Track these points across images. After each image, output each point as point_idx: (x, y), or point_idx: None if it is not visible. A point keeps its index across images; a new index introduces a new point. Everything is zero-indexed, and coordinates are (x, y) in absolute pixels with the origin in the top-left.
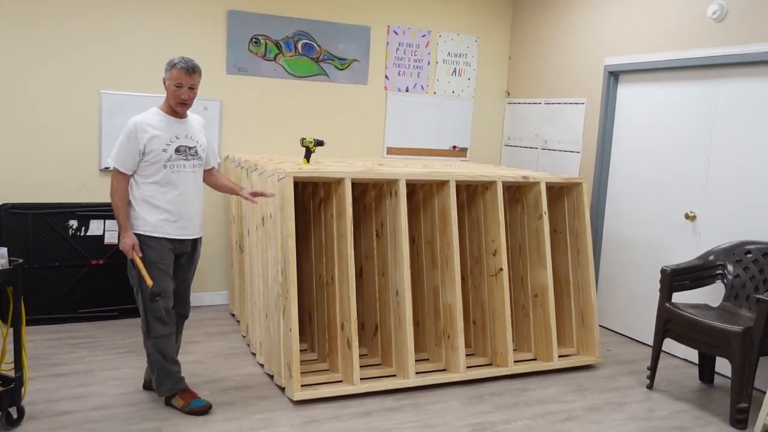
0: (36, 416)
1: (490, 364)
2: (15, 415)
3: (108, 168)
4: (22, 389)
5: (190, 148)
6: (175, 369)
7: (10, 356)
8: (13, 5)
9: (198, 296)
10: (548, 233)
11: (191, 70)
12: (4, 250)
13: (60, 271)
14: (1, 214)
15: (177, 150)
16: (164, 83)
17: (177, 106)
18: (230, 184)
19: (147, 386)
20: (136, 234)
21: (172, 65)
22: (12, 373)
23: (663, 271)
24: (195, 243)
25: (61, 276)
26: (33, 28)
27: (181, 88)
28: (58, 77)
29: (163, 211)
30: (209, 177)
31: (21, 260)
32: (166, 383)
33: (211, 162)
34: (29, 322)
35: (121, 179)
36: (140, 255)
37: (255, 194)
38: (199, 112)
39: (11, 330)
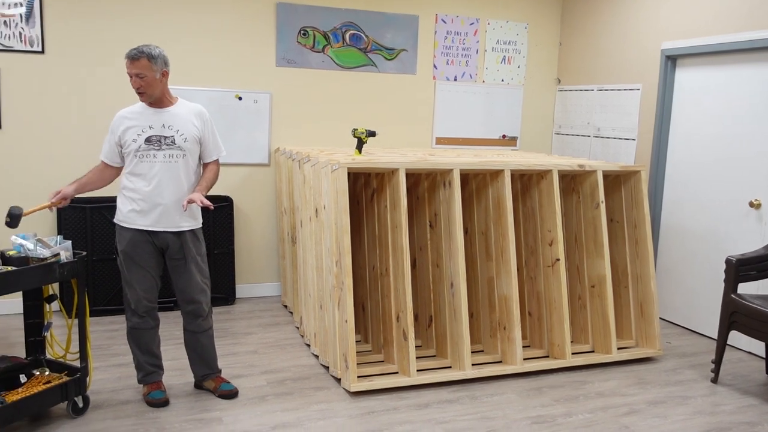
0: (100, 405)
1: (547, 356)
2: (81, 404)
3: None
4: (87, 379)
5: (165, 137)
6: (147, 361)
7: (74, 347)
8: (69, 4)
9: (250, 287)
10: (605, 223)
11: (134, 56)
12: (68, 243)
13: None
14: (60, 209)
15: (147, 140)
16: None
17: (139, 96)
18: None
19: (198, 385)
20: (115, 223)
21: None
22: (77, 363)
23: (728, 261)
24: (182, 237)
25: (118, 269)
26: (88, 25)
27: (131, 78)
28: (115, 72)
29: (132, 201)
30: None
31: (84, 253)
32: (137, 372)
33: (212, 154)
34: (90, 314)
35: (103, 167)
36: (53, 203)
37: (191, 201)
38: (248, 105)
39: (75, 321)
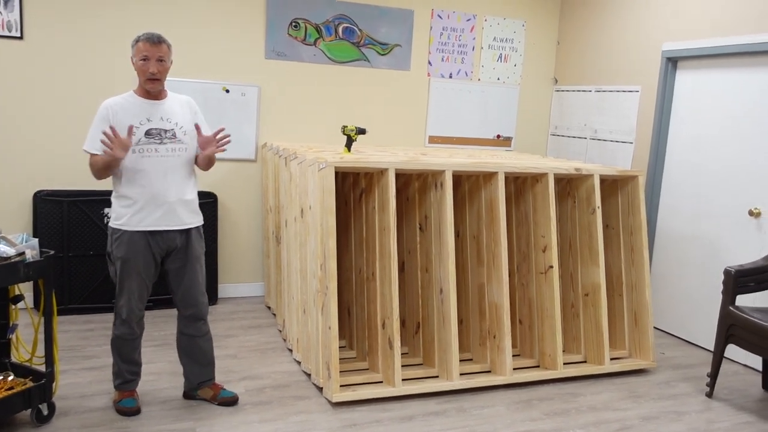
0: (67, 412)
1: (538, 366)
2: (45, 412)
3: None
4: (53, 385)
5: (165, 131)
6: (128, 369)
7: (42, 350)
8: None
9: (233, 287)
10: (601, 229)
11: (156, 40)
12: (35, 241)
13: (95, 260)
14: (36, 202)
15: (147, 133)
16: (132, 63)
17: (147, 84)
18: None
19: (189, 395)
20: (110, 227)
21: (136, 40)
22: (43, 368)
23: (727, 273)
24: (187, 235)
25: (95, 265)
26: (68, 15)
27: (149, 61)
28: (94, 63)
29: (133, 201)
30: (198, 163)
31: (52, 251)
32: (114, 378)
33: None
34: (63, 312)
35: (90, 156)
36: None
37: (216, 135)
38: (236, 98)
39: (43, 321)
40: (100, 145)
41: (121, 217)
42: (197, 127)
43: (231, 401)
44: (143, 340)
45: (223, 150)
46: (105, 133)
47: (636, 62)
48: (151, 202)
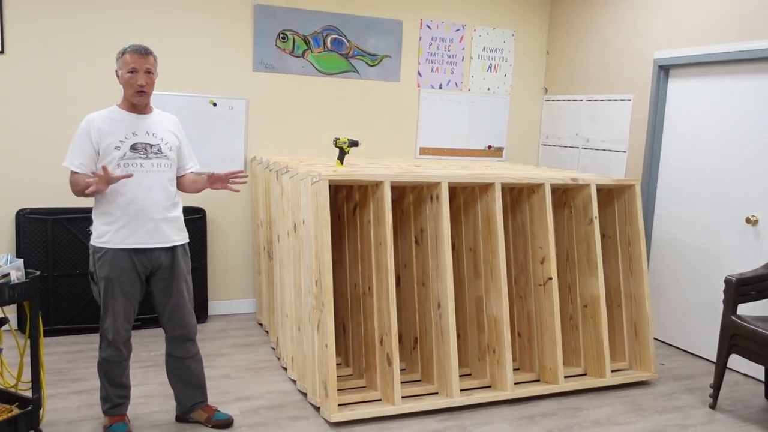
0: None
1: (538, 381)
2: None
3: None
4: (41, 411)
5: (151, 145)
6: (116, 393)
7: (27, 375)
8: (31, 1)
9: (223, 304)
10: (599, 240)
11: (144, 51)
12: (19, 262)
13: (81, 279)
14: (19, 220)
15: (133, 147)
16: (117, 76)
17: (134, 97)
18: (198, 179)
19: (182, 418)
20: (92, 245)
21: (122, 52)
22: (30, 394)
23: (728, 281)
24: (173, 253)
25: (81, 284)
26: (50, 28)
27: (137, 73)
28: (79, 77)
29: (117, 217)
30: (183, 184)
31: (38, 272)
32: (102, 403)
33: (186, 166)
34: (49, 333)
35: (71, 174)
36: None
37: (229, 176)
38: (223, 112)
39: (29, 343)
40: (85, 160)
41: (103, 234)
42: (211, 175)
43: (226, 423)
44: (131, 362)
45: (238, 191)
46: (94, 173)
47: (628, 71)
48: (135, 219)
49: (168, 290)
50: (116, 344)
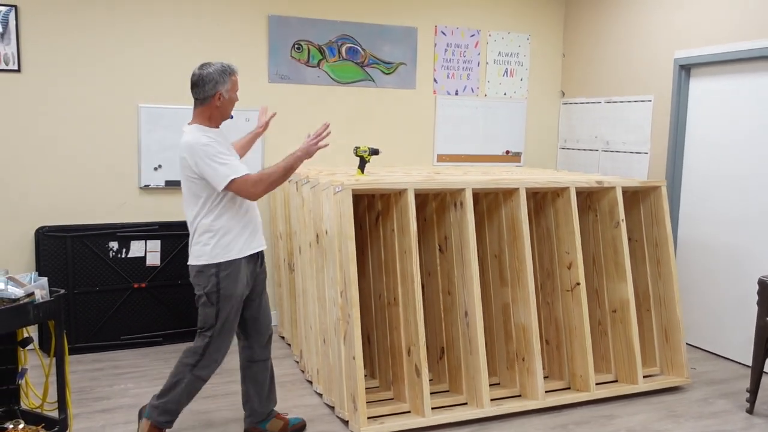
0: None
1: (569, 388)
2: None
3: (148, 186)
4: None
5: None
6: (180, 410)
7: (53, 395)
8: (47, 20)
9: None
10: (626, 243)
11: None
12: (44, 281)
13: (101, 296)
14: (38, 238)
15: None
16: (218, 97)
17: (227, 117)
18: (244, 141)
19: (252, 430)
20: (217, 263)
21: (230, 72)
22: (56, 414)
23: (762, 283)
24: (263, 257)
25: (102, 301)
26: (67, 42)
27: (236, 93)
28: (94, 92)
29: (243, 225)
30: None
31: (63, 291)
32: (164, 415)
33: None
34: (70, 351)
35: (246, 178)
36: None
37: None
38: (240, 124)
39: (53, 361)
40: (240, 164)
41: (231, 248)
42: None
43: (302, 426)
44: (153, 378)
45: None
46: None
47: (647, 71)
48: (251, 223)
49: (262, 293)
50: (220, 363)
